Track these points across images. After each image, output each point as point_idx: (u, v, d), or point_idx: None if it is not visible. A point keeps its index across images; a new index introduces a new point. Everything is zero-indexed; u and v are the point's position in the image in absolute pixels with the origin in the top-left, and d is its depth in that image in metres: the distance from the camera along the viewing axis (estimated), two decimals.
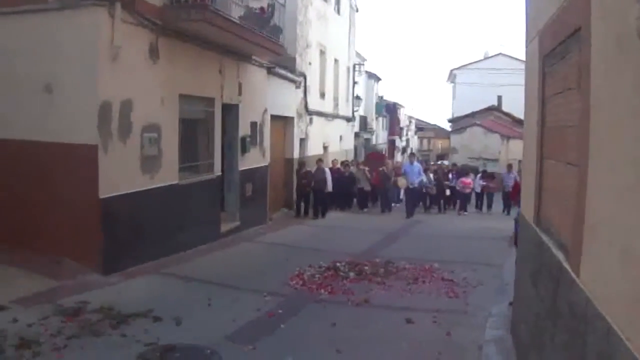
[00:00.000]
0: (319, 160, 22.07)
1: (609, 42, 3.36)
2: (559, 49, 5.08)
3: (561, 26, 4.86)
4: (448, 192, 25.77)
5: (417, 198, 24.19)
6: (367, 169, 25.49)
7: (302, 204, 21.21)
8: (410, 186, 23.06)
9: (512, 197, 22.05)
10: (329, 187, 21.32)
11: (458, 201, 25.84)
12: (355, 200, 25.16)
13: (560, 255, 4.55)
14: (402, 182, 23.69)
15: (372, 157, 32.44)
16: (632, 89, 2.95)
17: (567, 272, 4.18)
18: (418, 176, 23.23)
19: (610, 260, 3.20)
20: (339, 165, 24.55)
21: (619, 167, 3.15)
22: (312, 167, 21.39)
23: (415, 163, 24.76)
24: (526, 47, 7.36)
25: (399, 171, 24.96)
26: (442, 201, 25.82)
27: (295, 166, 21.64)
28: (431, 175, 25.49)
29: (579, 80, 4.19)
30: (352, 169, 24.96)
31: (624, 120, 3.07)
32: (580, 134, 4.04)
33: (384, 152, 44.29)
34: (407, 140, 75.61)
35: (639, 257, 2.80)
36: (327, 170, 21.78)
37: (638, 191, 2.82)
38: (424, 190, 24.48)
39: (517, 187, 19.33)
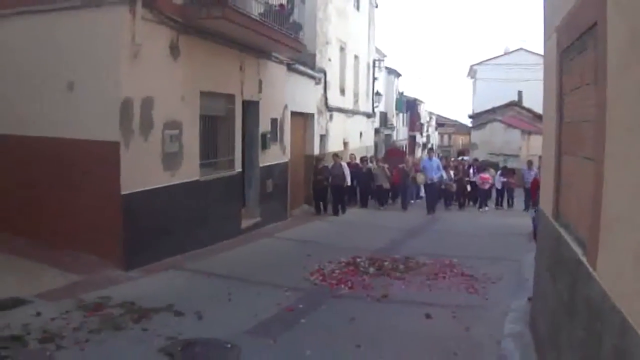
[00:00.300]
0: (336, 155, 21.62)
1: (624, 37, 3.37)
2: (576, 45, 5.10)
3: (578, 22, 4.87)
4: (469, 187, 25.34)
5: (437, 194, 23.70)
6: (386, 166, 24.60)
7: (321, 201, 20.73)
8: (429, 182, 22.66)
9: (531, 195, 21.57)
10: (348, 180, 20.91)
11: (478, 197, 25.44)
12: (372, 197, 24.57)
13: (578, 250, 4.57)
14: (420, 178, 23.25)
15: (392, 153, 31.09)
16: None
17: (584, 266, 4.20)
18: (437, 171, 22.85)
19: (626, 255, 3.22)
20: (357, 161, 24.01)
21: (634, 162, 3.17)
22: (329, 163, 21.05)
23: (434, 158, 24.34)
24: (544, 43, 7.37)
25: (418, 167, 24.41)
26: (462, 198, 25.56)
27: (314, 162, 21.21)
28: (451, 172, 25.25)
29: (595, 75, 4.21)
30: (371, 165, 24.55)
31: (639, 115, 3.09)
32: (596, 130, 4.06)
33: (403, 149, 43.63)
34: (428, 136, 75.53)
35: None
36: (344, 164, 21.26)
37: None
38: (443, 187, 24.12)
39: (535, 184, 19.05)
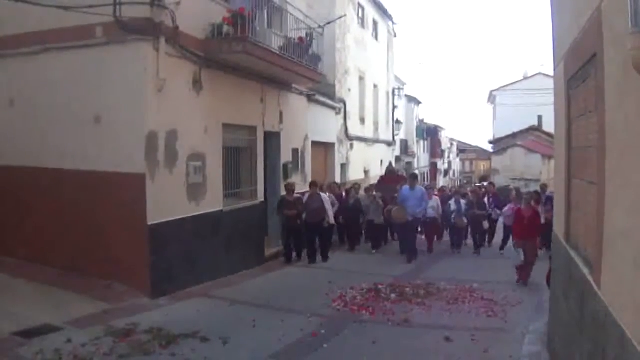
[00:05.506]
0: (313, 183, 16.14)
1: (619, 67, 3.60)
2: (580, 73, 5.33)
3: (581, 52, 5.10)
4: (486, 224, 18.75)
5: (427, 232, 18.51)
6: (379, 195, 18.56)
7: (293, 245, 15.52)
8: (410, 218, 16.26)
9: (511, 229, 15.69)
10: (330, 218, 15.74)
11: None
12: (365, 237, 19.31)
13: (585, 270, 4.77)
14: (399, 213, 16.40)
15: (387, 180, 21.91)
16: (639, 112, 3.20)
17: (590, 285, 4.41)
18: (420, 204, 16.47)
19: (624, 272, 3.44)
20: (341, 191, 19.18)
21: (630, 184, 3.39)
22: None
23: (418, 187, 17.33)
24: (554, 70, 7.59)
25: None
26: (477, 236, 18.67)
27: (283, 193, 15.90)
28: (462, 202, 18.70)
29: (596, 103, 4.43)
30: (361, 194, 18.85)
31: (634, 140, 3.31)
32: (598, 154, 4.28)
33: (400, 173, 35.38)
34: (449, 163, 75.35)
35: None
36: (325, 196, 15.87)
37: None
38: (453, 222, 18.53)
39: (517, 213, 13.83)
